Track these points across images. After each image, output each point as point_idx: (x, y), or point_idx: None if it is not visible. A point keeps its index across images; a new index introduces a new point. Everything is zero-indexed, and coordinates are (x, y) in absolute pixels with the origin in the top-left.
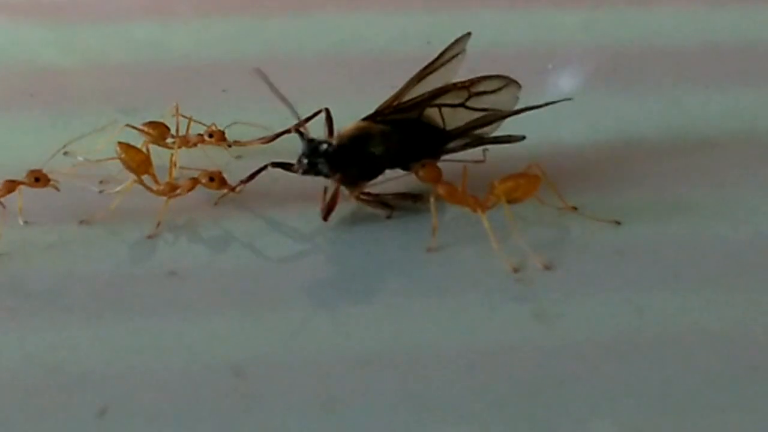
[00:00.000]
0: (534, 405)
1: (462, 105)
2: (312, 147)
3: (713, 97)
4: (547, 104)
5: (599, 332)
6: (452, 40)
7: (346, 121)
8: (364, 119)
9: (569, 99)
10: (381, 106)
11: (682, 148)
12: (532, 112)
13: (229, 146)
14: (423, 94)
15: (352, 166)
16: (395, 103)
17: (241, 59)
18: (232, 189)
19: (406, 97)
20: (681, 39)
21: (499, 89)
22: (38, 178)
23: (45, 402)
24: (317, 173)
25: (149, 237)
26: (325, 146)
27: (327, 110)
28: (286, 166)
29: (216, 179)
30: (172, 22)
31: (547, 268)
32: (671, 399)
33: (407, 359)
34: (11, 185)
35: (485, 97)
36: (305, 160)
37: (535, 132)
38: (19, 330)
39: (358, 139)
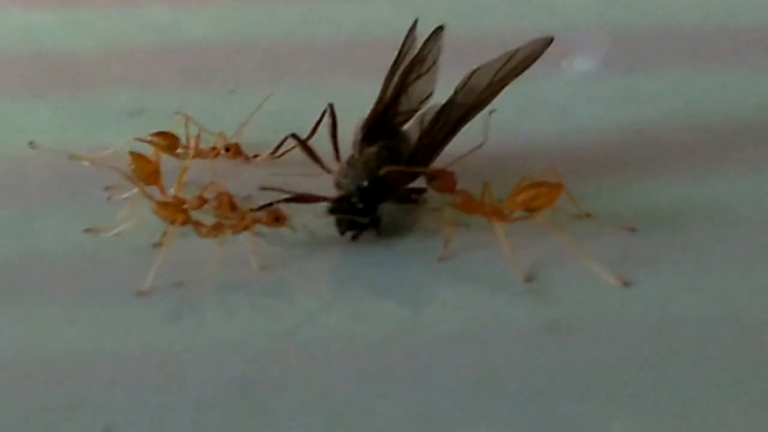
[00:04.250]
0: (547, 417)
1: (418, 76)
2: (343, 206)
3: (729, 85)
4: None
5: (614, 344)
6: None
7: (358, 112)
8: (363, 140)
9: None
10: (370, 114)
11: (699, 148)
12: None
13: (247, 159)
14: (399, 81)
15: (384, 199)
16: (380, 107)
17: (249, 58)
18: (242, 216)
19: (387, 95)
20: (700, 27)
21: (435, 43)
22: (278, 218)
23: (49, 420)
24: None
25: (156, 246)
26: (355, 200)
27: (331, 106)
28: (295, 200)
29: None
30: (179, 13)
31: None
32: (690, 413)
33: (416, 370)
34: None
35: (429, 57)
36: (348, 222)
37: (549, 132)
38: (24, 341)
39: (379, 177)
